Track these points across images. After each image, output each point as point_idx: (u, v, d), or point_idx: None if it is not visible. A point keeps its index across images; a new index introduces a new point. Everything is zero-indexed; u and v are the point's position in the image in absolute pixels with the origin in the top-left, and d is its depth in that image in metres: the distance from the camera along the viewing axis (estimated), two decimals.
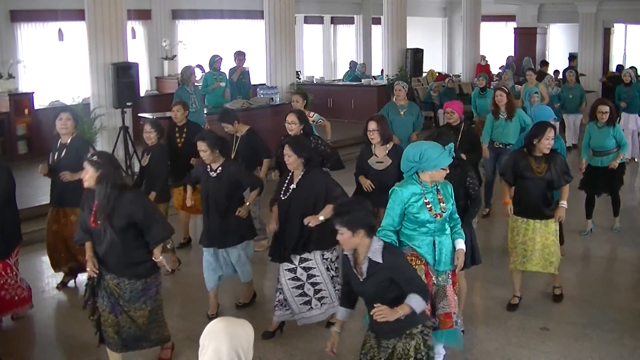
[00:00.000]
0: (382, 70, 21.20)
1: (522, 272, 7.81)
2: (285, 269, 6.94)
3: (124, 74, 12.61)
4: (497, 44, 28.55)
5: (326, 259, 6.96)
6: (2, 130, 14.89)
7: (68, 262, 8.48)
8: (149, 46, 19.95)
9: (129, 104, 12.79)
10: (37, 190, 11.31)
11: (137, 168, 12.57)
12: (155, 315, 6.26)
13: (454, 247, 6.06)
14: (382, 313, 4.69)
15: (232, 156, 8.57)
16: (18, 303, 7.56)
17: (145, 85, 18.69)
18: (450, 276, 6.11)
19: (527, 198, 7.50)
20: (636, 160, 15.60)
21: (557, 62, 26.87)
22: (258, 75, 18.55)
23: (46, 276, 9.04)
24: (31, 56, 16.96)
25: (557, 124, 12.01)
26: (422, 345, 4.93)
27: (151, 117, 12.70)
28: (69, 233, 7.96)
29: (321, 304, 6.97)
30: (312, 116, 10.25)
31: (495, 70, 24.27)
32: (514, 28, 27.11)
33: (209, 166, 7.39)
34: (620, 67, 20.50)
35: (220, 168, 7.33)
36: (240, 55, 15.19)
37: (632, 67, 17.70)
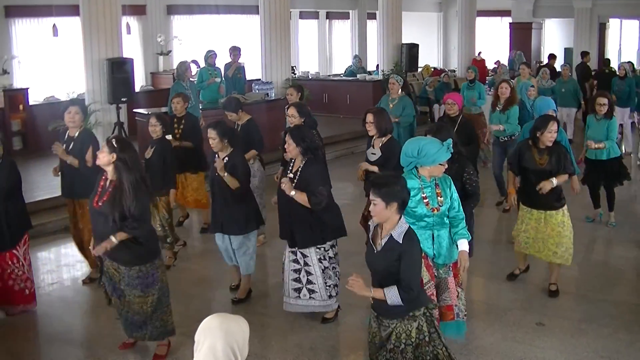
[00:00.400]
0: (378, 66, 21.19)
1: (526, 255, 8.08)
2: (289, 251, 7.07)
3: (119, 69, 12.58)
4: (493, 39, 28.56)
5: (320, 248, 7.00)
6: None
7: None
8: (143, 41, 19.91)
9: (124, 99, 12.77)
10: (32, 186, 11.28)
11: None
12: (159, 304, 6.34)
13: (452, 241, 6.10)
14: (355, 284, 4.81)
15: None
16: (29, 298, 7.66)
17: (140, 81, 18.63)
18: (451, 268, 6.17)
19: (531, 188, 7.66)
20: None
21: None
22: (253, 70, 18.52)
23: (41, 272, 9.02)
24: (26, 52, 16.90)
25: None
26: (424, 327, 4.95)
27: (147, 112, 12.67)
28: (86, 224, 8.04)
29: (309, 297, 7.02)
30: None
31: (490, 65, 24.26)
32: (510, 23, 27.15)
33: (216, 155, 7.51)
34: (607, 61, 20.49)
35: (227, 158, 7.44)
36: (235, 51, 15.17)
37: (629, 62, 17.73)
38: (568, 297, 7.92)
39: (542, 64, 16.69)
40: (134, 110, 13.93)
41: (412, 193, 5.83)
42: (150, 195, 6.27)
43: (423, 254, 5.92)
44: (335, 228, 7.03)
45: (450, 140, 6.03)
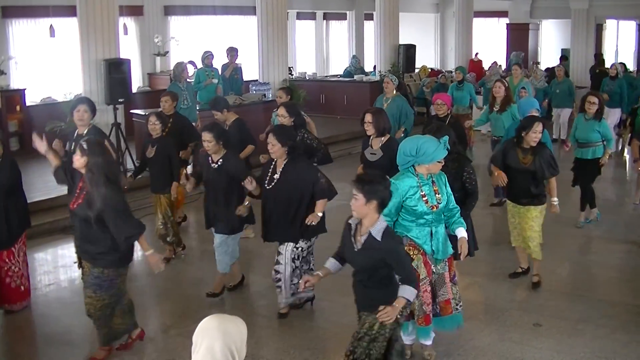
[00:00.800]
0: (375, 66, 21.19)
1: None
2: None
3: (116, 70, 12.55)
4: (490, 40, 28.57)
5: (297, 247, 7.09)
6: None
7: None
8: (141, 42, 19.89)
9: (121, 100, 12.74)
10: (29, 187, 11.22)
11: (129, 164, 12.59)
12: (106, 310, 6.29)
13: (447, 235, 6.16)
14: (388, 314, 5.02)
15: None
16: (25, 295, 7.69)
17: (137, 82, 18.62)
18: (447, 263, 6.22)
19: (514, 185, 7.91)
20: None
21: (549, 57, 26.97)
22: (250, 71, 18.50)
23: (38, 273, 9.00)
24: (23, 52, 16.87)
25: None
26: (388, 325, 5.15)
27: (144, 113, 12.66)
28: None
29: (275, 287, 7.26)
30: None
31: (487, 66, 24.24)
32: (507, 24, 27.16)
33: (210, 157, 7.52)
34: (602, 61, 20.56)
35: (221, 160, 7.45)
36: (232, 52, 15.19)
37: (621, 63, 17.75)
38: (565, 298, 7.94)
39: (519, 65, 16.49)
40: (131, 111, 13.92)
41: (410, 191, 5.95)
42: (123, 198, 6.17)
43: (421, 251, 6.03)
44: (315, 227, 7.05)
45: (446, 137, 6.11)
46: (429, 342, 6.37)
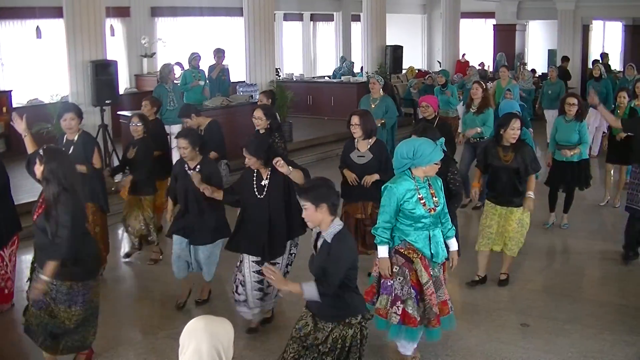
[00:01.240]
0: (362, 67, 21.21)
1: (489, 253, 8.19)
2: (253, 261, 6.82)
3: (103, 71, 12.50)
4: (477, 41, 28.65)
5: (292, 254, 6.96)
6: None
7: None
8: (128, 44, 19.82)
9: (108, 101, 12.69)
10: (16, 189, 11.14)
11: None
12: (84, 322, 6.03)
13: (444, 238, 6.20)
14: (273, 275, 4.84)
15: None
16: (8, 297, 7.64)
17: (124, 83, 18.56)
18: (441, 266, 6.25)
19: (498, 185, 7.93)
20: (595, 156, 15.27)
21: (535, 58, 27.07)
22: (238, 72, 18.50)
23: (25, 275, 8.94)
24: (9, 54, 16.82)
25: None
26: (359, 335, 5.04)
27: (130, 114, 12.62)
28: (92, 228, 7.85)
29: (264, 299, 6.94)
30: None
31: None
32: (494, 25, 27.26)
33: (186, 164, 7.38)
34: (596, 62, 20.63)
35: (198, 167, 7.31)
36: (219, 53, 15.19)
37: (602, 63, 17.75)
38: (552, 298, 7.96)
39: (506, 67, 16.54)
40: (118, 112, 13.87)
41: (408, 195, 5.93)
42: (81, 208, 5.87)
43: (419, 255, 6.01)
44: (298, 226, 6.76)
45: (442, 139, 6.14)
46: (414, 346, 6.33)
